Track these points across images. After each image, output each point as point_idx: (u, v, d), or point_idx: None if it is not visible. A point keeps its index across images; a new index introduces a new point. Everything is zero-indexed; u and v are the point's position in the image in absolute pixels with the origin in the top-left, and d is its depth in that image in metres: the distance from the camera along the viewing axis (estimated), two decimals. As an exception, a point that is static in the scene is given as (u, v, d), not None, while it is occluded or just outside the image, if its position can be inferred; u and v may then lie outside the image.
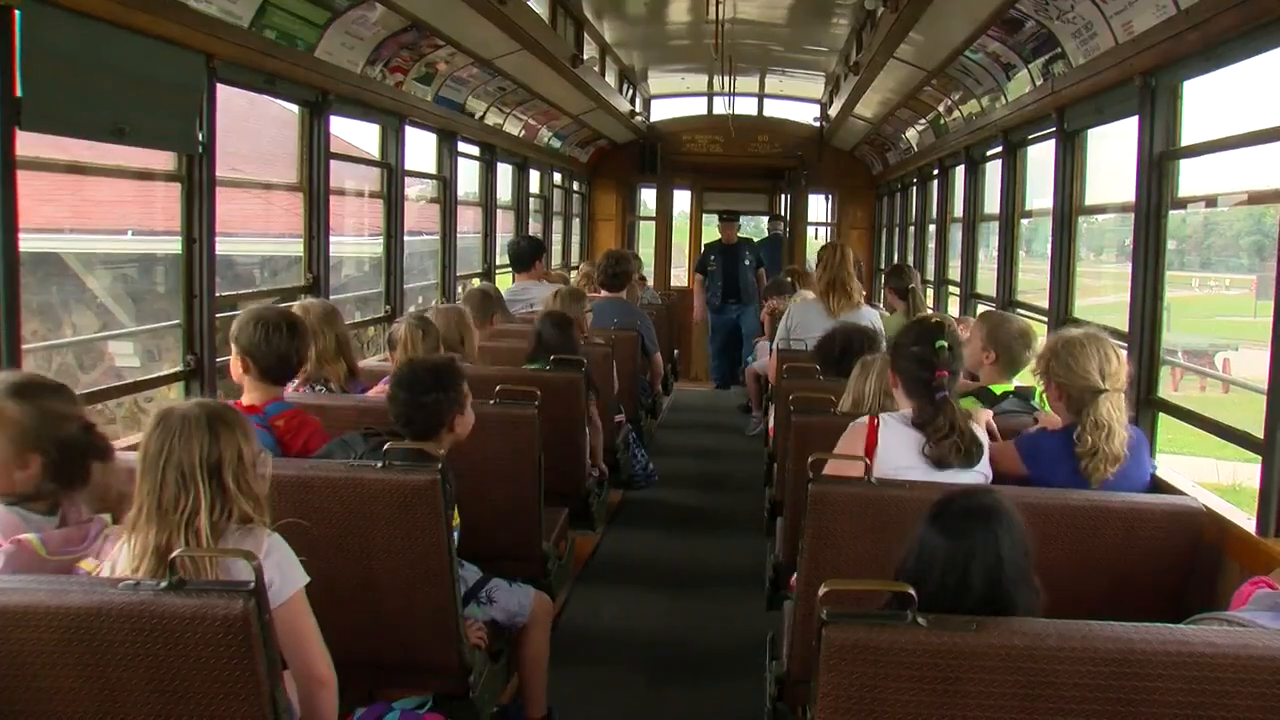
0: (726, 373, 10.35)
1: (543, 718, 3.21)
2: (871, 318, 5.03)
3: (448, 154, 6.39)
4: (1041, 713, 1.61)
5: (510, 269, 7.07)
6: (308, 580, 2.04)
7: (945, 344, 2.65)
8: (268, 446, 2.87)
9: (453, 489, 2.72)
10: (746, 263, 9.96)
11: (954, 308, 6.88)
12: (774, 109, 11.40)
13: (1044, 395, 3.04)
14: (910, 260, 8.68)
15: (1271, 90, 2.87)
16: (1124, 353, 2.96)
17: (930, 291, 7.44)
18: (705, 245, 10.71)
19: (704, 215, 11.74)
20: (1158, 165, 3.45)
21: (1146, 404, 3.42)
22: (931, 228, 7.95)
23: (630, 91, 10.04)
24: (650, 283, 10.09)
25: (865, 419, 2.76)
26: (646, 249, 11.97)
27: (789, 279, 7.77)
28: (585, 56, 7.21)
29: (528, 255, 6.85)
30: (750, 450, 7.29)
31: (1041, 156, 5.17)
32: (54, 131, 2.89)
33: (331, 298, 4.62)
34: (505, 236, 7.81)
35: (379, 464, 2.55)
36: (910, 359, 2.71)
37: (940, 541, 1.76)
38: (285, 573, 2.01)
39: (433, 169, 6.40)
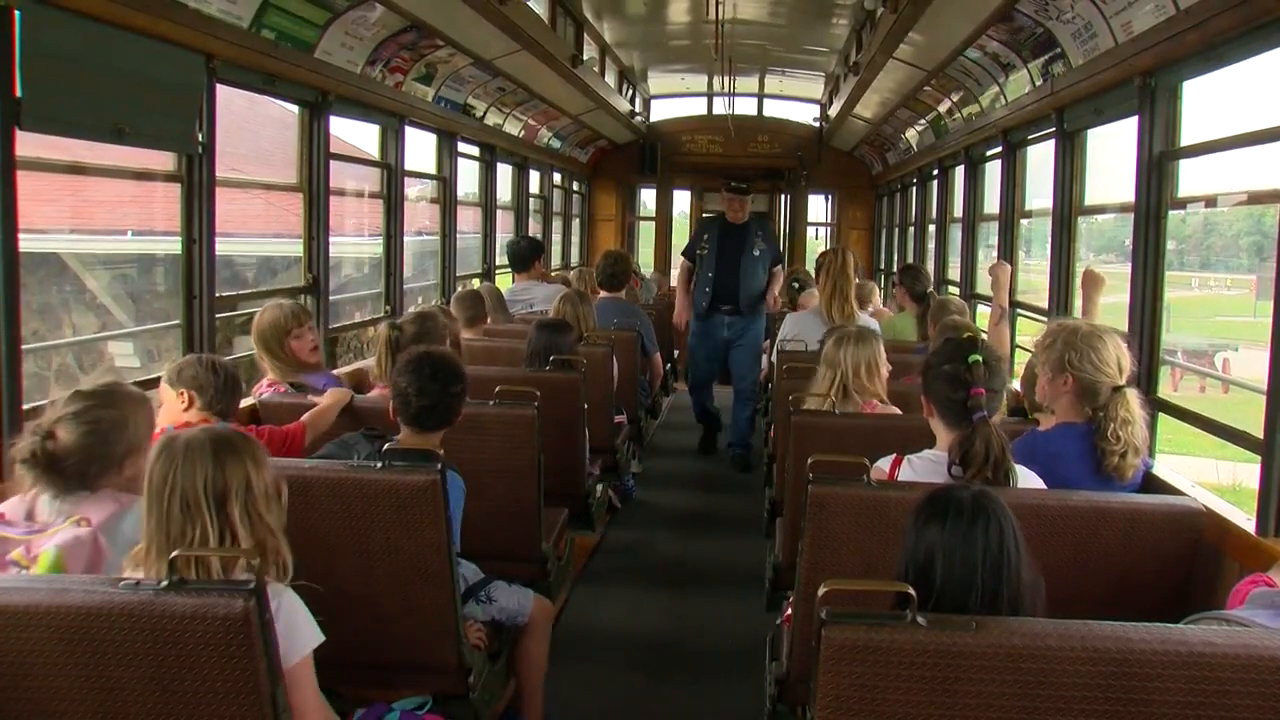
0: (714, 425, 7.25)
1: None
2: (867, 324, 5.03)
3: (447, 154, 6.40)
4: (1041, 713, 1.61)
5: (510, 269, 7.07)
6: (320, 641, 1.91)
7: (980, 358, 2.42)
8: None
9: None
10: (756, 253, 6.52)
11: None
12: (774, 109, 11.44)
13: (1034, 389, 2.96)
14: (910, 260, 8.68)
15: (1271, 90, 2.87)
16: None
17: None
18: (700, 221, 7.78)
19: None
20: (1157, 165, 3.45)
21: (1146, 404, 3.41)
22: (931, 228, 7.95)
23: (630, 92, 10.05)
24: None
25: (887, 463, 2.60)
26: (646, 249, 11.98)
27: (795, 283, 7.54)
28: (585, 57, 7.23)
29: (527, 255, 6.86)
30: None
31: (1041, 157, 5.17)
32: (54, 132, 2.89)
33: (331, 298, 4.63)
34: (505, 237, 7.82)
35: (378, 464, 2.54)
36: (942, 379, 2.47)
37: (942, 539, 1.73)
38: (292, 638, 1.86)
39: (433, 169, 6.41)
